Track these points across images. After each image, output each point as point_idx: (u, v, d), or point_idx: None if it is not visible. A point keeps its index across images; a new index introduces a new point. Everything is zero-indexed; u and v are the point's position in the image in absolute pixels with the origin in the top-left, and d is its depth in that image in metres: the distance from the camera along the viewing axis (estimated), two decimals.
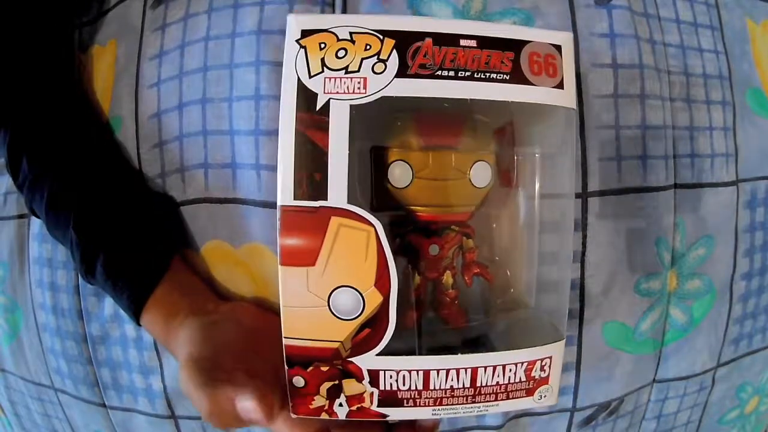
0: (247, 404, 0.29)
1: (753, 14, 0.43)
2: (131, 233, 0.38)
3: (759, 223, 0.42)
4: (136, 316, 0.37)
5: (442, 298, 0.34)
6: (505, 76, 0.27)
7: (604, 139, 0.37)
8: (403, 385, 0.28)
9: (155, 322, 0.37)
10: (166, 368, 0.42)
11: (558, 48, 0.28)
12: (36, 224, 0.45)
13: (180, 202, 0.39)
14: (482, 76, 0.27)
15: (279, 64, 0.37)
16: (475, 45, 0.27)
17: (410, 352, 0.29)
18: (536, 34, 0.28)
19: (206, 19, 0.39)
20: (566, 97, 0.28)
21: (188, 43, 0.39)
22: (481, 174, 0.31)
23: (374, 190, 0.31)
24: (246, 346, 0.34)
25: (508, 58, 0.27)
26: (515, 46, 0.27)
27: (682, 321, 0.41)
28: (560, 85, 0.28)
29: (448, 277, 0.33)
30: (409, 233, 0.33)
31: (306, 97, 0.26)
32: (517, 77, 0.27)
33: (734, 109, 0.41)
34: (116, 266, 0.37)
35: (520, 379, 0.29)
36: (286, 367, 0.28)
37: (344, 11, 0.37)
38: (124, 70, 0.41)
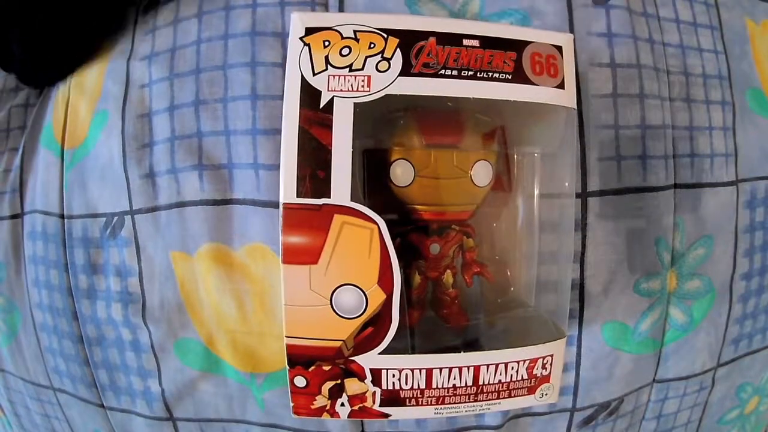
0: None
1: (753, 14, 0.43)
2: None
3: (759, 223, 0.42)
4: None
5: (442, 298, 0.34)
6: (507, 75, 0.27)
7: (603, 138, 0.37)
8: (406, 384, 0.28)
9: None
10: (164, 371, 0.41)
11: (559, 48, 0.29)
12: (29, 222, 0.44)
13: (176, 204, 0.39)
14: (485, 76, 0.27)
15: (275, 65, 0.37)
16: (477, 45, 0.27)
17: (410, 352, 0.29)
18: (538, 35, 0.28)
19: (197, 23, 0.39)
20: (567, 97, 0.29)
21: (179, 47, 0.39)
22: (483, 173, 0.32)
23: (376, 188, 0.31)
24: None
25: (510, 58, 0.27)
26: (517, 46, 0.28)
27: (681, 321, 0.41)
28: (561, 85, 0.28)
29: (448, 277, 0.33)
30: (409, 232, 0.33)
31: (310, 94, 0.26)
32: (519, 77, 0.28)
33: (734, 108, 0.41)
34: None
35: (522, 377, 0.29)
36: (287, 367, 0.28)
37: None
38: (115, 68, 0.41)
